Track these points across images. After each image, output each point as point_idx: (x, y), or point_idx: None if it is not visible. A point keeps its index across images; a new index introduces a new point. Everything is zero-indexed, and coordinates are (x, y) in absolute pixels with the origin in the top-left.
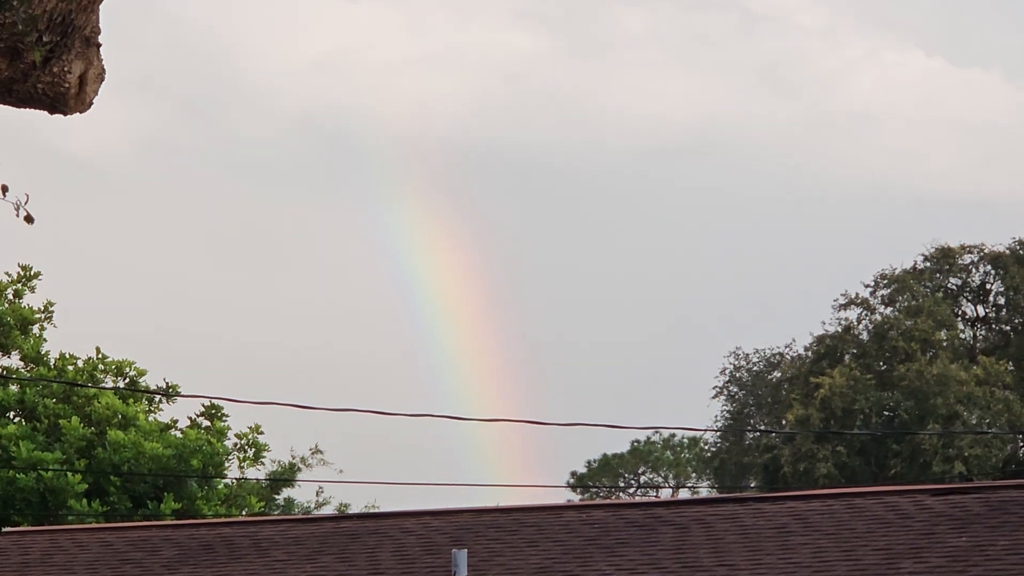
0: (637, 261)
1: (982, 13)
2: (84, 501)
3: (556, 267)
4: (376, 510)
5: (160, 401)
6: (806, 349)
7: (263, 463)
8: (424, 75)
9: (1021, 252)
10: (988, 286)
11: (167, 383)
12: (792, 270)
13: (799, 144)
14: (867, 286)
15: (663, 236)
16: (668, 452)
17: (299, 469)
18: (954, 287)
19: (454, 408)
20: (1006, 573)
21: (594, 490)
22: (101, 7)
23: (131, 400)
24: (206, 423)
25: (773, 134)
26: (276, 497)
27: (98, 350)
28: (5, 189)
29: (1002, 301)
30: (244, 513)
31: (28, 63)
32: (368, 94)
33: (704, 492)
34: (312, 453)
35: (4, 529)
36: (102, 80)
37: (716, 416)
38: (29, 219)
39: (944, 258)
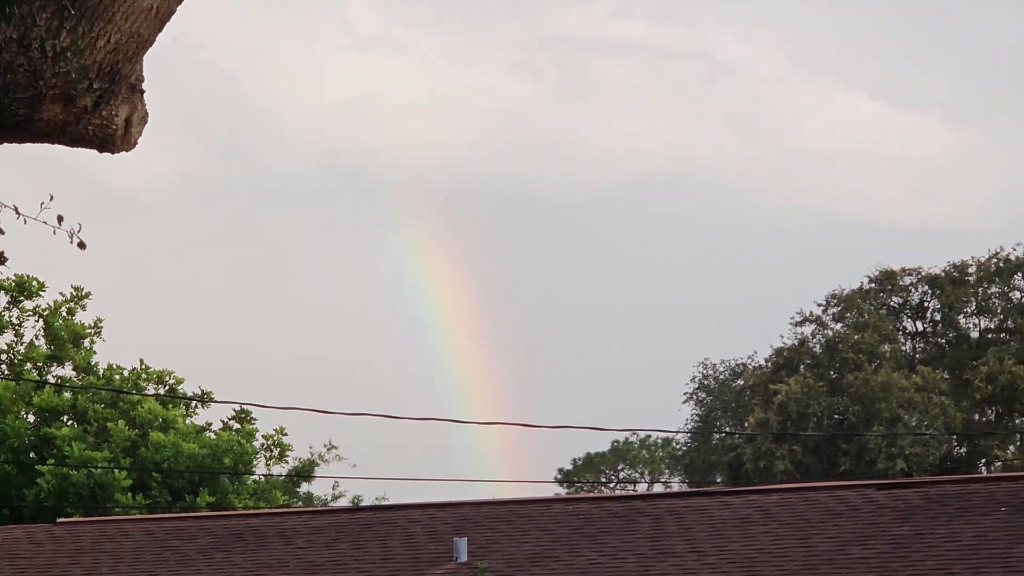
0: (615, 283)
1: (921, 61)
2: (129, 495)
3: (542, 286)
4: (386, 502)
5: (196, 406)
6: (766, 360)
7: (286, 461)
8: (428, 118)
9: (955, 274)
10: (926, 304)
11: (202, 390)
12: (754, 290)
13: (760, 179)
14: (819, 305)
15: (637, 262)
16: (644, 451)
17: (317, 465)
18: (896, 305)
19: (453, 411)
20: (943, 559)
21: (579, 485)
22: (144, 57)
23: (170, 405)
24: (236, 426)
25: (737, 170)
26: (297, 491)
27: (141, 361)
28: (60, 219)
29: (938, 317)
30: (270, 505)
31: (80, 108)
32: (379, 135)
33: (676, 487)
34: (328, 450)
35: (58, 520)
36: (145, 122)
37: (687, 419)
38: (82, 245)
39: (887, 280)
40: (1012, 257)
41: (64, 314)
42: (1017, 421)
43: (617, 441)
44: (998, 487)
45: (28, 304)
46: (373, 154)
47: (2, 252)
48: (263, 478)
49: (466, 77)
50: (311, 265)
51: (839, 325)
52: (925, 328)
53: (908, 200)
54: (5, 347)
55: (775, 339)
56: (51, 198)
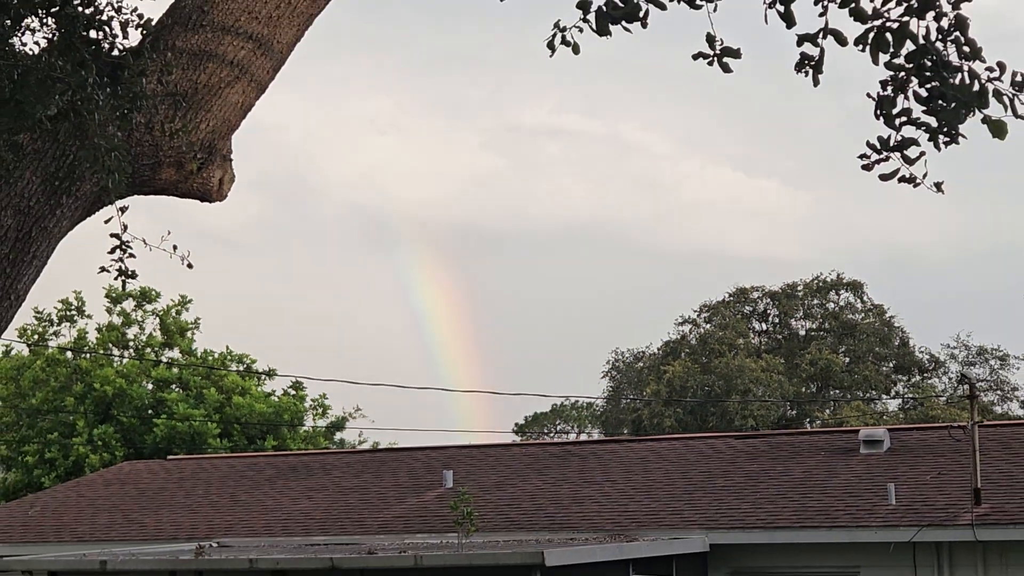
0: (556, 297)
1: (767, 142)
2: (217, 440)
3: (505, 298)
4: (395, 446)
5: (264, 378)
6: (658, 349)
7: (327, 416)
8: (425, 182)
9: (788, 291)
10: (768, 312)
11: (269, 367)
12: (651, 302)
13: (657, 226)
14: (695, 311)
15: (571, 283)
16: (574, 411)
17: (348, 420)
18: (747, 312)
19: (445, 381)
20: (781, 487)
21: (529, 434)
22: (233, 136)
23: (247, 378)
24: (293, 392)
25: (639, 219)
26: (334, 438)
27: (227, 347)
28: (175, 247)
29: (776, 321)
30: (315, 448)
31: (188, 171)
32: (394, 193)
33: (596, 436)
34: (356, 410)
35: (168, 457)
36: (233, 182)
37: (604, 389)
38: (190, 266)
39: (741, 295)
40: (826, 279)
41: (173, 314)
42: (830, 393)
43: (556, 404)
44: (818, 438)
45: (148, 307)
46: (387, 204)
47: (133, 270)
48: (311, 428)
49: (452, 153)
50: (345, 283)
51: (709, 325)
52: (767, 328)
53: (757, 240)
54: (132, 337)
55: (665, 335)
56: (168, 232)
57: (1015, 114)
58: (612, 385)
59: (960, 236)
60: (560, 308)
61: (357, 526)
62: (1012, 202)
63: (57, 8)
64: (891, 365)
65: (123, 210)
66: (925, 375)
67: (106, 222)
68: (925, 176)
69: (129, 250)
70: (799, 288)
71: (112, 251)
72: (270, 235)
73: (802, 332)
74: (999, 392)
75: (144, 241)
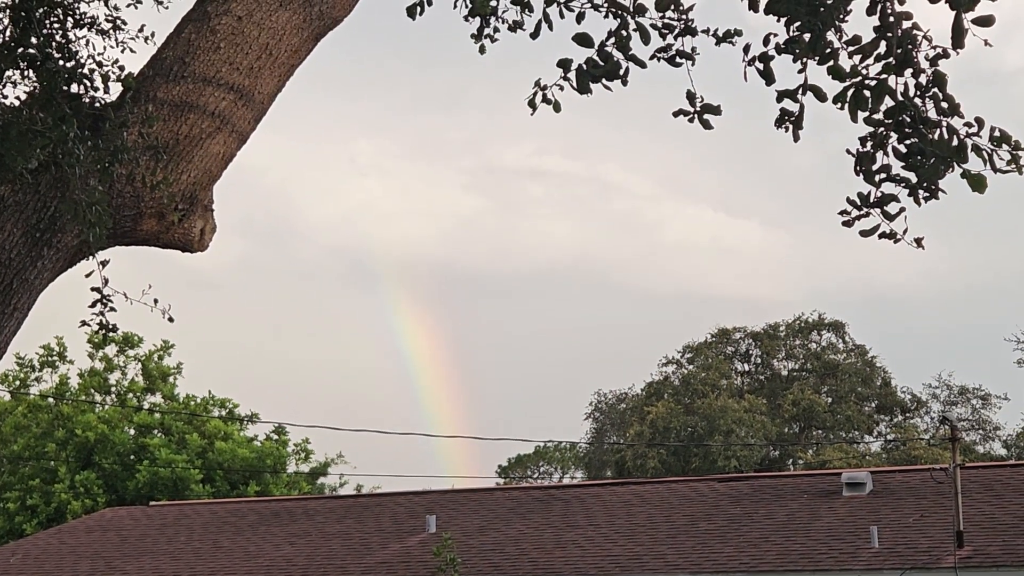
0: (537, 335)
1: (746, 184)
2: (200, 485)
3: (488, 335)
4: (379, 491)
5: (247, 423)
6: (641, 390)
7: (309, 461)
8: (408, 222)
9: (770, 331)
10: (750, 352)
11: (251, 412)
12: (633, 342)
13: (639, 266)
14: (678, 352)
15: (552, 320)
16: (557, 453)
17: (330, 465)
18: (730, 352)
19: (428, 425)
20: (764, 530)
21: (511, 478)
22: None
23: (229, 423)
24: (275, 437)
25: (621, 259)
26: (317, 482)
27: (209, 392)
28: (156, 301)
29: (759, 361)
30: (298, 493)
31: (169, 222)
32: (376, 233)
33: (579, 479)
34: (338, 456)
35: (150, 503)
36: (215, 231)
37: (587, 431)
38: (171, 320)
39: (724, 335)
40: (808, 320)
41: (156, 359)
42: (813, 433)
43: (539, 446)
44: (800, 481)
45: (131, 352)
46: (370, 246)
47: (114, 324)
48: (293, 474)
49: (434, 193)
50: (327, 321)
51: (691, 366)
52: (750, 368)
53: (738, 280)
54: (114, 382)
55: (648, 375)
56: (150, 286)
57: (994, 169)
58: (595, 427)
59: (941, 277)
60: (543, 348)
61: (340, 572)
62: (990, 243)
63: (38, 62)
64: (873, 405)
65: (104, 263)
66: (907, 415)
67: (87, 276)
68: (905, 232)
69: (110, 303)
70: (781, 328)
71: (93, 304)
72: (253, 278)
73: (784, 372)
74: (981, 431)
75: (125, 295)
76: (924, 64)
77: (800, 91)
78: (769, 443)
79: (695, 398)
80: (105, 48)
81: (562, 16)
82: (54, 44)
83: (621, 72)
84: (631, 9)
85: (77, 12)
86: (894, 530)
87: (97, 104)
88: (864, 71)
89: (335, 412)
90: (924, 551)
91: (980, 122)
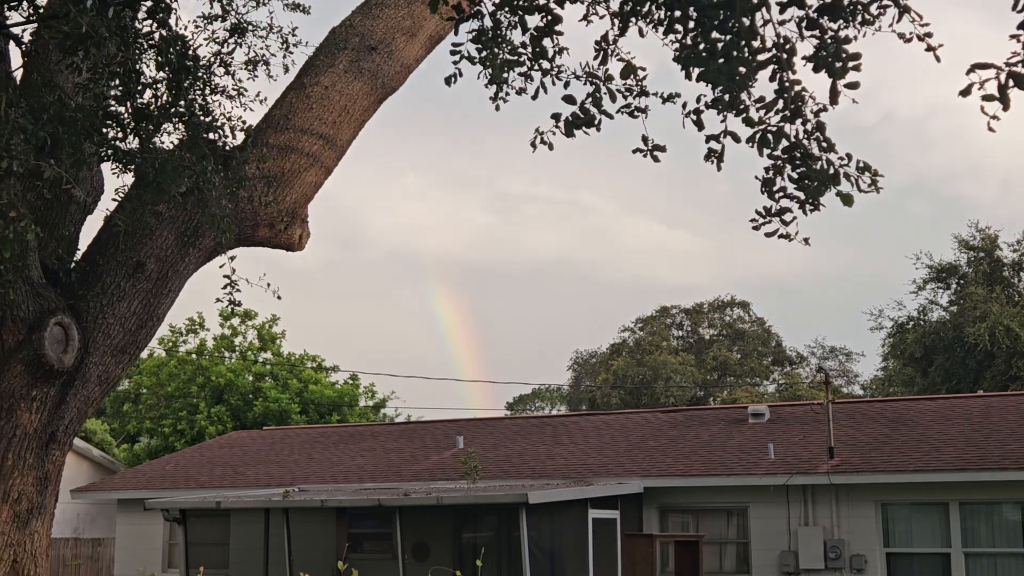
0: (536, 313)
1: (679, 203)
2: (299, 415)
3: (499, 312)
4: (422, 420)
5: (331, 372)
6: (607, 349)
7: (374, 398)
8: (441, 233)
9: (698, 308)
10: (683, 323)
11: (334, 364)
12: (603, 317)
13: (605, 264)
14: (633, 323)
15: (547, 304)
16: (548, 394)
17: (387, 400)
18: (669, 323)
19: (457, 374)
20: (693, 446)
21: (516, 410)
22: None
23: (318, 371)
24: (351, 382)
25: (591, 260)
26: (379, 413)
27: (304, 350)
28: (268, 284)
29: (689, 329)
30: (366, 420)
31: (276, 230)
32: (420, 241)
33: (563, 411)
34: (392, 394)
35: (264, 428)
36: (309, 237)
37: (568, 378)
38: (279, 298)
39: (664, 311)
40: (724, 300)
41: (267, 327)
42: (727, 379)
43: (535, 388)
44: (719, 412)
45: (250, 322)
46: (416, 250)
47: (239, 301)
48: (363, 407)
49: (461, 213)
50: (386, 306)
51: (642, 333)
52: (683, 334)
53: (675, 273)
54: (238, 344)
55: (611, 339)
56: (264, 275)
57: (859, 189)
58: (574, 375)
59: (820, 266)
60: (537, 321)
61: (397, 475)
62: (855, 243)
63: (186, 118)
64: (769, 360)
65: (232, 259)
66: (793, 366)
67: (220, 267)
68: (797, 233)
69: (236, 287)
70: (704, 306)
71: (224, 287)
72: (334, 271)
73: (707, 337)
74: (845, 378)
75: (247, 280)
76: (810, 115)
77: (722, 135)
78: (696, 386)
79: (644, 355)
80: (232, 107)
81: (554, 83)
82: (196, 105)
83: (596, 122)
84: (603, 78)
85: (212, 82)
86: (785, 446)
87: (227, 147)
88: (767, 120)
89: (391, 364)
90: (805, 461)
91: (849, 156)
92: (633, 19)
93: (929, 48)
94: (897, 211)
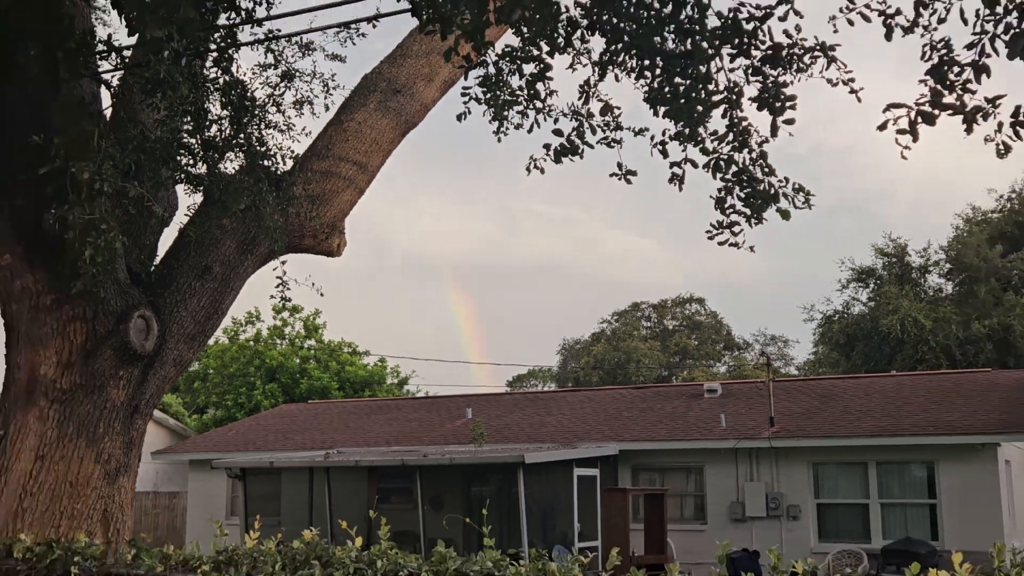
0: (532, 307)
1: (647, 215)
2: (337, 391)
3: (501, 304)
4: (437, 395)
5: (362, 356)
6: (589, 337)
7: (399, 377)
8: (456, 242)
9: (663, 304)
10: (651, 315)
11: (365, 349)
12: (586, 310)
13: (589, 267)
14: (610, 315)
15: (542, 299)
16: (541, 373)
17: (409, 378)
18: (639, 316)
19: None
20: (659, 416)
21: (514, 387)
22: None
23: (353, 355)
24: (379, 363)
25: (580, 263)
26: (403, 389)
27: (342, 338)
28: (313, 284)
29: (656, 321)
30: (392, 396)
31: (319, 239)
32: (437, 248)
33: (552, 388)
34: (413, 373)
35: (308, 401)
36: (345, 246)
37: (557, 360)
38: (321, 294)
39: (636, 306)
40: (684, 296)
41: (311, 319)
42: (687, 361)
43: (530, 368)
44: (680, 388)
45: (297, 315)
46: (432, 255)
47: (289, 297)
48: (389, 384)
49: (471, 224)
50: (406, 302)
51: (617, 323)
52: (651, 325)
53: (645, 275)
54: (287, 332)
55: (593, 328)
56: (309, 276)
57: (795, 206)
58: (562, 357)
59: (763, 269)
60: (532, 313)
61: (417, 440)
62: (792, 250)
63: (245, 147)
64: (721, 346)
65: (283, 262)
66: (741, 351)
67: (273, 270)
68: (744, 242)
69: (286, 286)
70: (668, 302)
71: (276, 286)
72: (366, 273)
73: (670, 327)
74: (783, 361)
75: (295, 280)
76: (755, 146)
77: (683, 162)
78: (661, 368)
79: (619, 342)
80: (282, 139)
81: (545, 120)
82: (254, 138)
83: (579, 151)
84: (585, 115)
85: (266, 119)
86: (734, 417)
87: (278, 172)
88: (720, 150)
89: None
90: (751, 429)
91: (787, 180)
92: (610, 67)
93: (852, 91)
94: (826, 225)
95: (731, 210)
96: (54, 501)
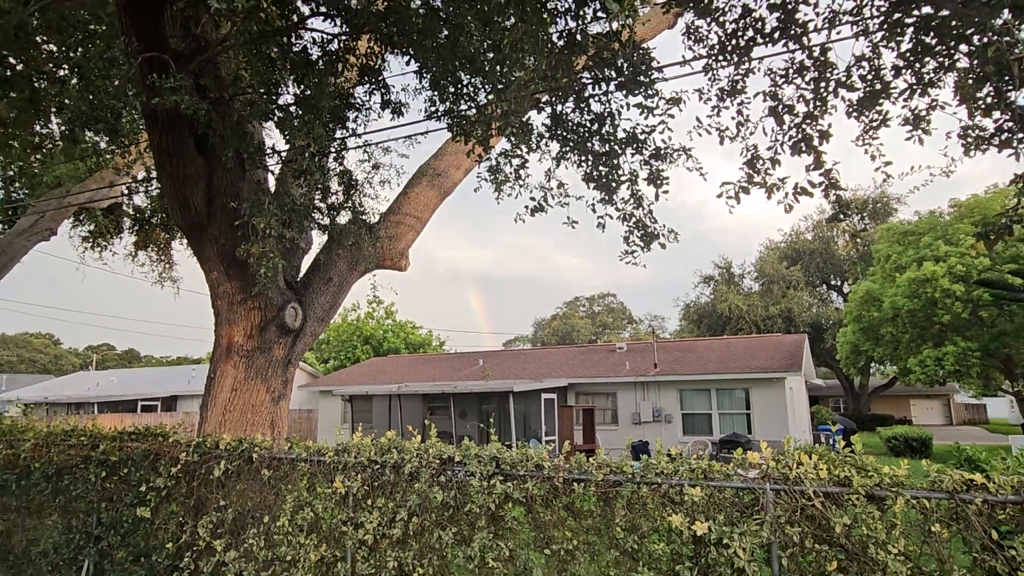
0: (518, 304)
1: (588, 247)
2: (404, 349)
3: (500, 306)
4: (462, 352)
5: (418, 329)
6: (550, 317)
7: (440, 341)
8: (474, 262)
9: (591, 298)
10: (587, 305)
11: (421, 325)
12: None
13: (550, 277)
14: (561, 305)
15: (525, 299)
16: (523, 339)
17: (444, 343)
18: (579, 306)
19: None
20: (594, 362)
21: (508, 347)
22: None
23: (411, 329)
24: (425, 333)
25: (544, 274)
26: (442, 348)
27: (407, 319)
28: (392, 288)
29: (587, 307)
30: (434, 352)
31: (395, 261)
32: (462, 264)
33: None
34: (446, 339)
35: (387, 355)
36: (409, 265)
37: (532, 332)
38: (396, 293)
39: (576, 299)
40: (605, 294)
41: (390, 307)
42: (607, 331)
43: (517, 336)
44: (604, 346)
45: (381, 306)
46: (458, 268)
47: (379, 296)
48: (432, 345)
49: (482, 253)
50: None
51: (566, 309)
52: (586, 310)
53: (583, 280)
54: (376, 317)
55: (551, 312)
56: (389, 284)
57: (669, 241)
58: (535, 329)
59: (650, 277)
60: (518, 304)
61: (450, 378)
62: (666, 266)
63: (352, 207)
64: (626, 320)
65: (374, 275)
66: (638, 324)
67: (369, 280)
68: (640, 262)
69: (375, 289)
70: (595, 296)
71: (370, 289)
72: (422, 282)
73: (596, 310)
74: (662, 330)
75: (381, 285)
76: (645, 205)
77: (604, 215)
78: (593, 335)
79: (566, 320)
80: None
81: (524, 191)
82: (356, 202)
83: (545, 210)
84: (548, 189)
85: (363, 191)
86: (634, 363)
87: (370, 222)
88: (625, 208)
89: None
90: (643, 370)
91: (664, 225)
92: (562, 160)
93: (701, 174)
94: (687, 250)
95: (632, 243)
96: (242, 415)
